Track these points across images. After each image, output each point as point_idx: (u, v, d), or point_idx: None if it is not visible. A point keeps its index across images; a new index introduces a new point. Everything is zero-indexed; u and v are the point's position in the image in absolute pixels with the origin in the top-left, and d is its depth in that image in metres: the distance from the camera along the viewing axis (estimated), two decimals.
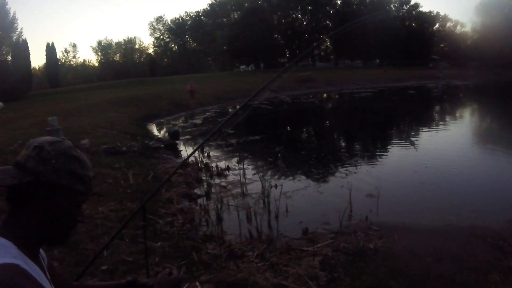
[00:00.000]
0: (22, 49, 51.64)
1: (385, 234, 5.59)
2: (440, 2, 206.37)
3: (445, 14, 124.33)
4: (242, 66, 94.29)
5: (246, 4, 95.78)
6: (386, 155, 12.16)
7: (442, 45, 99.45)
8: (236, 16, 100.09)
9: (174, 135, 13.61)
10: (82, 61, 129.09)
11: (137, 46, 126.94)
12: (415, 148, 12.41)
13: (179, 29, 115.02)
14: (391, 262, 4.71)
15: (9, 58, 51.38)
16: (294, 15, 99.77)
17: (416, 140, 14.14)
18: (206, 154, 11.82)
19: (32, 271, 1.19)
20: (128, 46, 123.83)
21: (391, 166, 10.44)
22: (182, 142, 14.20)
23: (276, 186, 8.24)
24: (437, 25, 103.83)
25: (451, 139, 14.28)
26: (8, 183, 1.23)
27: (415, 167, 9.77)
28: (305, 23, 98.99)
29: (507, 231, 5.77)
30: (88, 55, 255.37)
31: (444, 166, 9.84)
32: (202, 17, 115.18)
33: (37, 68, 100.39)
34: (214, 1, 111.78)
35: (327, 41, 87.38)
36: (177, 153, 12.71)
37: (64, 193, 1.30)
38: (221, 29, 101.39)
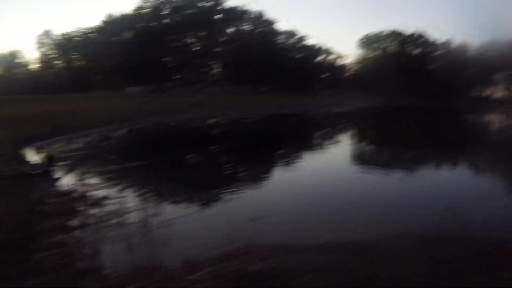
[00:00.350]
0: None
1: (267, 256, 5.75)
2: (325, 35, 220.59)
3: (330, 47, 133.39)
4: (131, 88, 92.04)
5: (140, 24, 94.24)
6: (268, 178, 12.59)
7: (326, 74, 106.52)
8: (127, 36, 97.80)
9: (50, 161, 12.87)
10: None
11: (21, 60, 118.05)
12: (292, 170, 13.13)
13: (69, 45, 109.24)
14: (272, 282, 4.88)
15: None
16: (185, 39, 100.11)
17: (297, 163, 14.95)
18: (84, 181, 11.29)
19: None
20: (11, 59, 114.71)
21: (271, 189, 10.82)
22: (60, 168, 13.46)
23: (157, 214, 8.04)
24: (322, 56, 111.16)
25: (329, 161, 15.35)
26: None
27: (295, 189, 10.31)
28: (196, 47, 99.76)
29: (382, 244, 6.34)
30: None
31: (323, 186, 10.55)
32: (93, 34, 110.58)
33: None
34: (107, 19, 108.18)
35: (218, 66, 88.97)
36: (54, 180, 11.98)
37: None
38: (113, 48, 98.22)
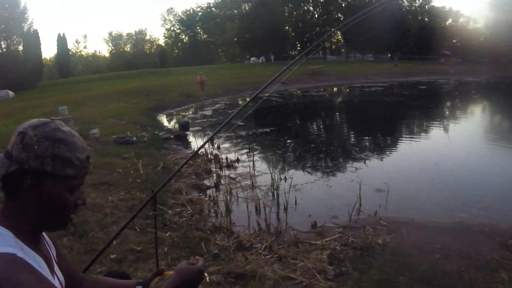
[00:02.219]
0: (33, 39, 51.43)
1: (394, 229, 5.54)
2: None
3: (458, 10, 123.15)
4: (253, 58, 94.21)
5: None
6: (396, 150, 12.09)
7: (454, 40, 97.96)
8: (247, 8, 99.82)
9: (184, 126, 13.61)
10: (93, 52, 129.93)
11: (147, 37, 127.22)
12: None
13: (190, 21, 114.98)
14: (399, 257, 4.68)
15: (20, 48, 51.27)
16: (305, 8, 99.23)
17: (427, 135, 14.12)
18: (216, 145, 11.83)
19: (30, 259, 1.16)
20: (139, 37, 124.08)
21: (400, 162, 10.38)
22: (192, 133, 14.26)
23: (285, 178, 8.19)
24: (449, 21, 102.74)
25: (461, 136, 14.13)
26: None
27: (425, 163, 9.69)
28: (316, 16, 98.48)
29: None
30: (99, 46, 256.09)
31: (454, 163, 9.76)
32: (213, 8, 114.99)
33: (48, 58, 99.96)
34: None
35: (338, 34, 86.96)
36: (187, 144, 12.75)
37: (52, 180, 1.23)
38: (232, 20, 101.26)
